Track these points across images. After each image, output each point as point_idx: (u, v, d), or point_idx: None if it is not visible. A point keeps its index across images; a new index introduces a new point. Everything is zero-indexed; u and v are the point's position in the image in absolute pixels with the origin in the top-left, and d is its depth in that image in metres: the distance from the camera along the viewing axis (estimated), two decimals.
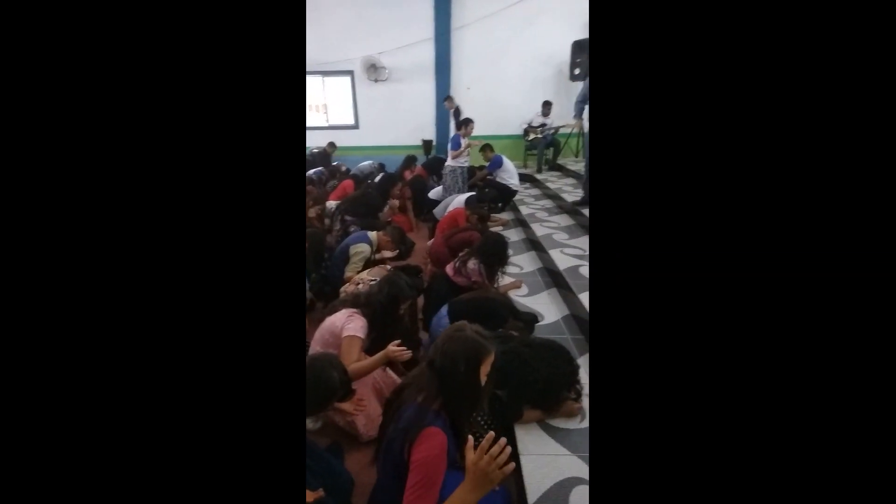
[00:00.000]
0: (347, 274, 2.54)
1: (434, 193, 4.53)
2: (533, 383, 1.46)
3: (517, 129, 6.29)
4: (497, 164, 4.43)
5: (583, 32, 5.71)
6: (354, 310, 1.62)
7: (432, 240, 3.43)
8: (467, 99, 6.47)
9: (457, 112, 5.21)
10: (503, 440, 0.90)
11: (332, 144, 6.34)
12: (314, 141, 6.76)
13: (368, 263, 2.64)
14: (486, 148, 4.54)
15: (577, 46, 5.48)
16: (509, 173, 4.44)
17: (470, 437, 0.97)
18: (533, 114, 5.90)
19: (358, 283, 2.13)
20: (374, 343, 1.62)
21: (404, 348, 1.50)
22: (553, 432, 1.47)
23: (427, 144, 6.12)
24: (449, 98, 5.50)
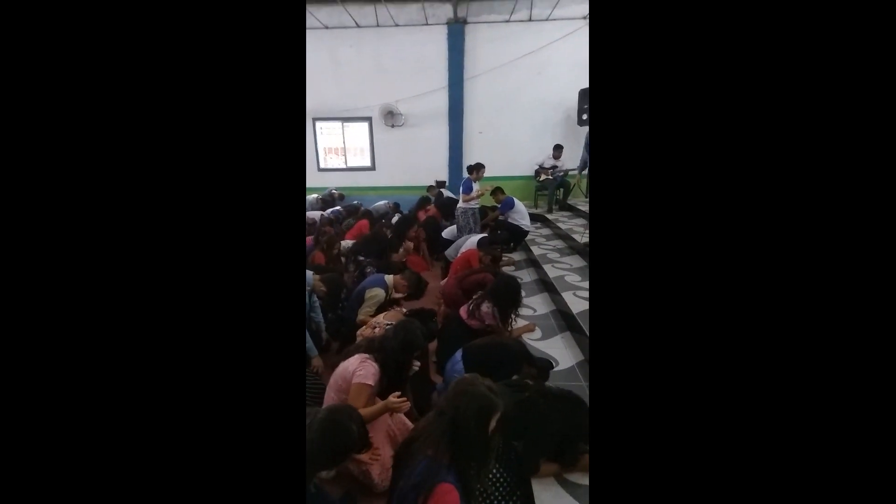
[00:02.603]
0: (360, 317, 2.58)
1: (447, 233, 4.63)
2: (549, 436, 1.44)
3: (527, 171, 6.47)
4: (509, 205, 4.54)
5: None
6: (367, 355, 1.65)
7: (445, 280, 3.48)
8: (479, 143, 6.75)
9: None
10: None
11: (341, 195, 6.65)
12: (333, 181, 7.06)
13: (383, 306, 2.68)
14: (496, 191, 4.67)
15: (584, 94, 5.73)
16: (520, 214, 4.54)
17: None
18: (544, 156, 6.09)
19: (374, 327, 2.16)
20: (386, 389, 1.63)
21: (404, 399, 1.51)
22: (572, 489, 1.43)
23: (439, 185, 6.34)
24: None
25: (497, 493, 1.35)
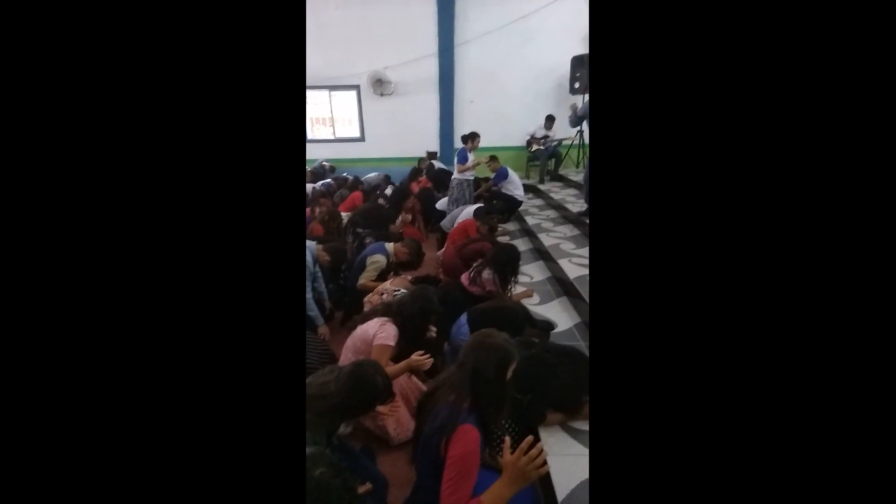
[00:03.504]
0: (360, 282, 2.62)
1: (440, 205, 4.65)
2: (556, 388, 1.55)
3: (519, 141, 6.44)
4: (503, 175, 4.55)
5: (582, 48, 5.90)
6: (386, 318, 1.71)
7: (443, 250, 3.53)
8: (471, 112, 6.65)
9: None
10: (540, 444, 0.99)
11: (332, 167, 6.55)
12: (321, 153, 6.90)
13: (384, 273, 2.73)
14: (492, 159, 4.65)
15: (577, 61, 5.66)
16: (514, 185, 4.56)
17: (507, 437, 1.06)
18: (536, 126, 6.06)
19: (382, 294, 2.21)
20: (401, 351, 1.70)
21: (427, 356, 1.58)
22: (575, 434, 1.55)
23: (430, 156, 6.29)
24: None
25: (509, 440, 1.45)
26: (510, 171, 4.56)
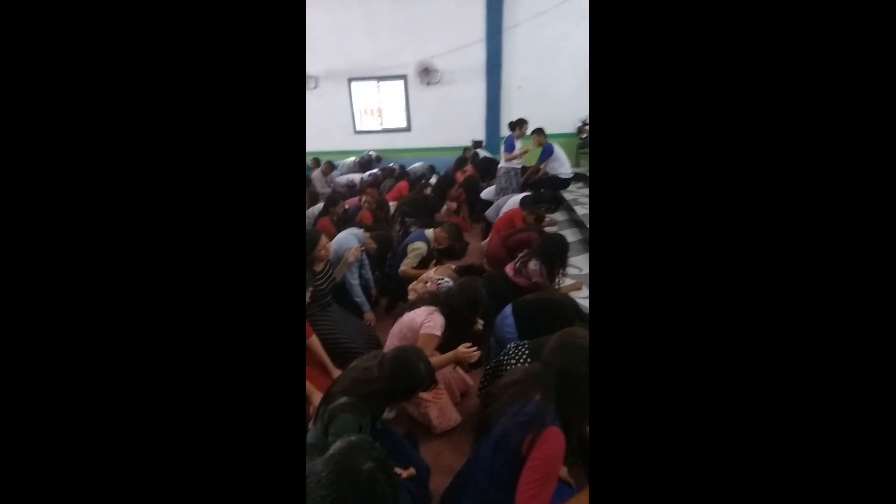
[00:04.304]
0: (402, 269, 2.64)
1: (486, 194, 4.57)
2: None
3: (569, 128, 6.17)
4: (548, 152, 4.35)
5: None
6: (434, 308, 1.70)
7: (487, 240, 3.47)
8: (519, 98, 6.45)
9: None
10: None
11: (378, 157, 6.69)
12: (369, 144, 7.05)
13: (426, 260, 2.73)
14: (538, 132, 4.43)
15: None
16: (560, 162, 4.35)
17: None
18: (588, 111, 5.76)
19: (426, 282, 2.22)
20: (447, 342, 1.69)
21: (474, 349, 1.56)
22: None
23: (476, 144, 6.18)
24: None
25: None
26: (556, 148, 4.35)
